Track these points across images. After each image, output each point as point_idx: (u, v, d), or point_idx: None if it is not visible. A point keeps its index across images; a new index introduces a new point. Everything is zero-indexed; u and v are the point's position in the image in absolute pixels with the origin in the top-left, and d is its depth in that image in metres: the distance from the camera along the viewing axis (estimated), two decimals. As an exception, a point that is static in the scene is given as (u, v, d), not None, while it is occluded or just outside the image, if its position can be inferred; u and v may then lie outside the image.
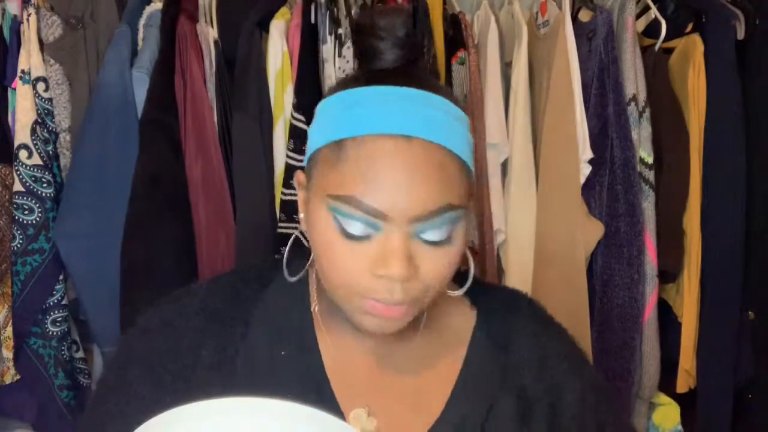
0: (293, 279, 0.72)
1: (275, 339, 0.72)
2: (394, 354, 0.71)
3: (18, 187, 1.45)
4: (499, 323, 0.73)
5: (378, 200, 0.59)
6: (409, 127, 0.61)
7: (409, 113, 0.62)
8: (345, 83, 0.66)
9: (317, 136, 0.65)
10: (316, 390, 0.68)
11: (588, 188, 1.54)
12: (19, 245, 1.46)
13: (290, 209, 1.45)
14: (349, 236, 0.61)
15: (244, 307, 0.73)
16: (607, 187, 1.53)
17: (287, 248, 0.72)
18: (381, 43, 0.65)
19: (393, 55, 0.65)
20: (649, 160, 1.55)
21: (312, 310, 0.73)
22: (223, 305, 0.73)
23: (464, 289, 0.70)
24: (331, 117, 0.65)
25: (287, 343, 0.71)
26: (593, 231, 1.54)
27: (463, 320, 0.74)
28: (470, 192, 0.66)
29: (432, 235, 0.61)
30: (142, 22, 1.51)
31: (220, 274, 0.79)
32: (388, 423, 0.63)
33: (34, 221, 1.47)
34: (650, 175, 1.55)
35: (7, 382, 1.50)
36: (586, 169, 1.52)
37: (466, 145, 0.64)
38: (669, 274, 1.61)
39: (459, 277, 0.70)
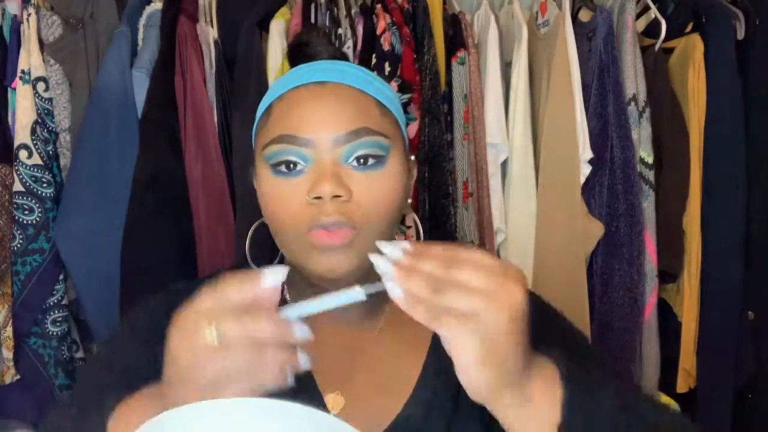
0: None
1: None
2: (364, 342, 0.74)
3: (18, 187, 1.45)
4: None
5: (301, 129, 0.66)
6: (322, 75, 0.70)
7: (323, 68, 0.71)
8: None
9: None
10: (297, 378, 0.69)
11: (588, 188, 1.54)
12: (19, 245, 1.46)
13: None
14: (283, 173, 0.67)
15: None
16: (607, 187, 1.53)
17: (249, 234, 0.76)
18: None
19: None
20: (649, 160, 1.55)
21: (286, 299, 0.76)
22: None
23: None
24: (263, 100, 0.74)
25: None
26: (593, 231, 1.54)
27: None
28: (399, 135, 0.72)
29: (358, 158, 0.67)
30: (142, 22, 1.51)
31: (193, 279, 0.82)
32: (361, 407, 0.67)
33: (34, 221, 1.47)
34: (650, 175, 1.55)
35: (7, 382, 1.50)
36: (586, 169, 1.52)
37: (384, 96, 0.71)
38: (669, 274, 1.61)
39: None
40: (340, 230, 0.65)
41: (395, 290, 0.53)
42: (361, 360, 0.73)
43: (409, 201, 0.75)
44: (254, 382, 0.51)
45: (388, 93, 0.73)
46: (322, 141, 0.66)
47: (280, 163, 0.67)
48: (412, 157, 0.76)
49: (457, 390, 0.68)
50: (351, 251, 0.66)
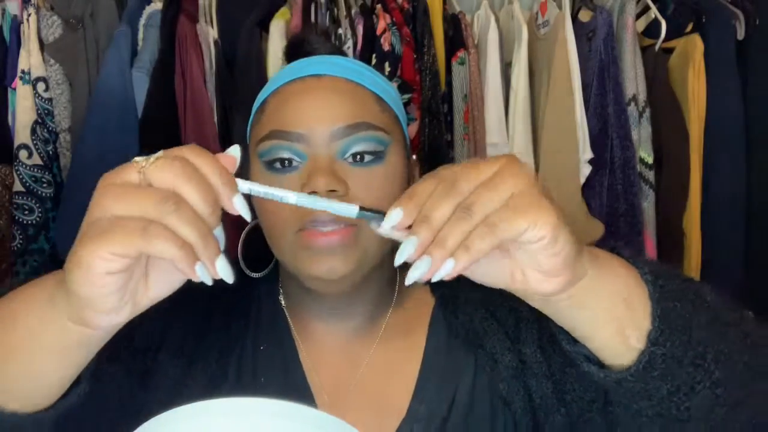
0: (257, 275, 0.73)
1: (255, 333, 0.72)
2: (362, 355, 0.71)
3: (18, 187, 1.46)
4: (449, 297, 0.73)
5: (294, 124, 0.63)
6: (318, 68, 0.67)
7: (318, 61, 0.69)
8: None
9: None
10: (296, 386, 0.69)
11: (588, 188, 1.54)
12: (19, 245, 1.46)
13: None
14: (277, 169, 0.64)
15: (223, 297, 0.73)
16: (607, 187, 1.53)
17: (242, 237, 0.71)
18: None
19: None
20: (649, 160, 1.55)
21: (281, 305, 0.74)
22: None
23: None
24: (260, 94, 0.72)
25: (265, 338, 0.72)
26: (593, 231, 1.54)
27: (423, 308, 0.74)
28: (399, 131, 0.69)
29: (355, 155, 0.63)
30: (142, 22, 1.51)
31: None
32: (359, 425, 0.63)
33: (34, 221, 1.47)
34: (650, 175, 1.55)
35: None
36: (586, 169, 1.52)
37: (383, 92, 0.68)
38: (669, 274, 1.61)
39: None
40: (340, 229, 0.61)
41: (444, 267, 0.43)
42: (358, 375, 0.70)
43: None
44: (152, 249, 0.41)
45: (389, 89, 0.70)
46: (317, 135, 0.63)
47: (274, 161, 0.64)
48: (414, 157, 0.73)
49: (452, 399, 0.67)
50: (351, 251, 0.62)
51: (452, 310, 0.71)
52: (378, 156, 0.64)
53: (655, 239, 1.56)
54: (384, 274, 0.72)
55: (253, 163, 0.67)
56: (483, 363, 0.68)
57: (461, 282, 0.71)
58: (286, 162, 0.64)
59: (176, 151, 0.43)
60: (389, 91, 0.70)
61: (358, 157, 0.63)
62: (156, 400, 0.64)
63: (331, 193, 0.61)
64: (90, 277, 0.42)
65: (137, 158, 0.44)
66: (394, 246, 0.47)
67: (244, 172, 0.69)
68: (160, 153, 0.43)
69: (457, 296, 0.72)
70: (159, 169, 0.42)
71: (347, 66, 0.68)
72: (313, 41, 0.73)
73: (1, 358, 0.48)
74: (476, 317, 0.71)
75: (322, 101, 0.64)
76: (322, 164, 0.62)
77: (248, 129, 0.72)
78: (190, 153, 0.43)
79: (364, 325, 0.72)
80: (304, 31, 0.78)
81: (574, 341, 0.55)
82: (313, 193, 0.60)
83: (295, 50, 0.74)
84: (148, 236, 0.40)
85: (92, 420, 0.60)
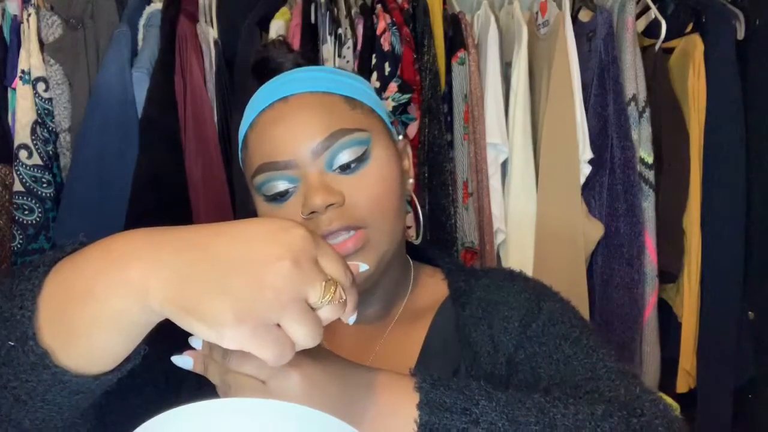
0: None
1: None
2: (375, 339, 0.74)
3: (18, 187, 1.46)
4: (463, 291, 0.75)
5: (277, 154, 0.67)
6: (283, 90, 0.69)
7: (282, 82, 0.71)
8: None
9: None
10: None
11: (588, 188, 1.54)
12: (19, 245, 1.46)
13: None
14: (274, 198, 0.67)
15: None
16: (607, 187, 1.53)
17: None
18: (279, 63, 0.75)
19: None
20: (649, 160, 1.55)
21: None
22: None
23: (419, 238, 0.80)
24: (240, 130, 0.74)
25: None
26: (593, 231, 1.54)
27: (436, 297, 0.77)
28: (377, 120, 0.71)
29: (341, 160, 0.66)
30: (142, 22, 1.51)
31: None
32: None
33: (34, 221, 1.47)
34: (650, 175, 1.55)
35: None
36: (586, 169, 1.52)
37: (351, 89, 0.70)
38: (669, 274, 1.61)
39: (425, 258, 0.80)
40: (351, 237, 0.65)
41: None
42: (370, 359, 0.72)
43: (411, 181, 0.75)
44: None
45: (355, 83, 0.72)
46: (301, 157, 0.66)
47: (272, 195, 0.67)
48: (400, 137, 0.76)
49: (455, 370, 0.69)
50: (368, 252, 0.66)
51: (462, 303, 0.74)
52: (362, 158, 0.67)
53: (655, 239, 1.56)
54: (399, 264, 0.75)
55: (254, 196, 0.71)
56: (467, 356, 0.71)
57: (480, 281, 0.75)
58: (284, 192, 0.67)
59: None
60: (357, 86, 0.72)
61: (345, 167, 0.67)
62: (192, 377, 0.64)
63: (330, 207, 0.64)
64: (204, 335, 0.42)
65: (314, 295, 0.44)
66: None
67: (249, 200, 0.74)
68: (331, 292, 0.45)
69: (471, 292, 0.74)
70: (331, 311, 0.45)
71: (310, 77, 0.70)
72: (276, 56, 0.76)
73: (74, 332, 0.46)
74: (475, 314, 0.73)
75: (295, 124, 0.67)
76: (314, 182, 0.65)
77: (241, 163, 0.75)
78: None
79: (380, 313, 0.75)
80: (264, 50, 0.78)
81: None
82: (313, 213, 0.64)
83: (261, 71, 0.76)
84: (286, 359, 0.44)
85: (138, 390, 0.61)
